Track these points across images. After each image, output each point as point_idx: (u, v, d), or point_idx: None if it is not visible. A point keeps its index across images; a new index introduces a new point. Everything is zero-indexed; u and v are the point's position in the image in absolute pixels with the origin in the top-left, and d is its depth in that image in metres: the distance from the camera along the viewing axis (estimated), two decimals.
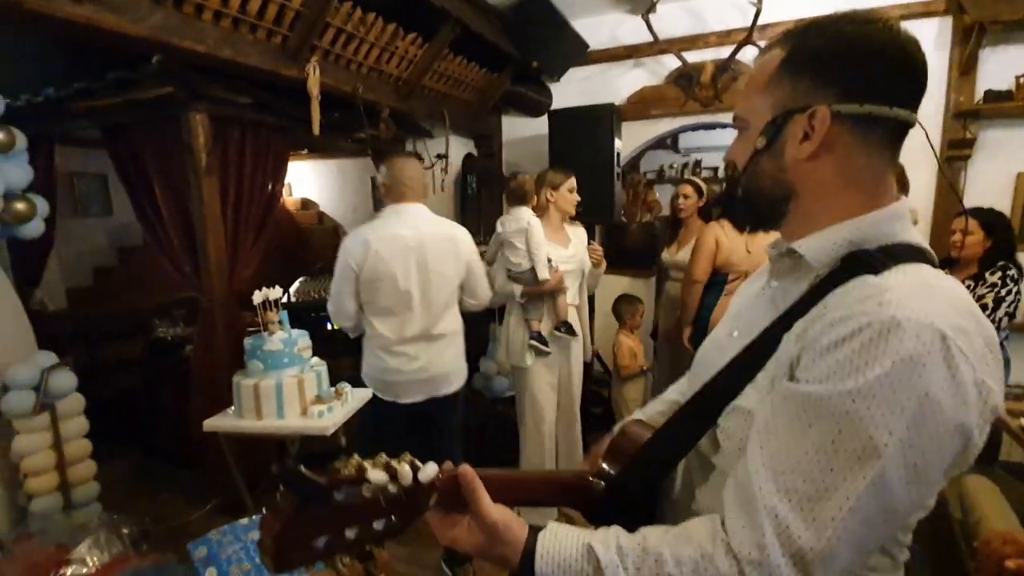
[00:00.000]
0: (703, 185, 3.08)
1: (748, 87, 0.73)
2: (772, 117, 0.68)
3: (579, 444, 2.69)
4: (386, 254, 2.04)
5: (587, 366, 2.83)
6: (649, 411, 0.95)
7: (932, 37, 2.95)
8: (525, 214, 2.44)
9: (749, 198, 0.73)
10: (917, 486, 0.57)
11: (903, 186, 1.87)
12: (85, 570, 1.81)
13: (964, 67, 2.91)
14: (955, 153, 2.99)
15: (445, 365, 2.20)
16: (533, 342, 2.45)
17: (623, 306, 3.39)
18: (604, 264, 2.72)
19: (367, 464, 0.61)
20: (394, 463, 0.62)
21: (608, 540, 0.63)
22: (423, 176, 2.23)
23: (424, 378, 2.14)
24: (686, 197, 3.03)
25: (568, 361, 2.60)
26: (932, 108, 2.99)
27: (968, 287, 2.56)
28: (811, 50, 0.66)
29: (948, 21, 2.94)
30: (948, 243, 2.62)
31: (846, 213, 0.68)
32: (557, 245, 2.53)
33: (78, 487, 2.30)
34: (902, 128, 0.67)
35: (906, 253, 0.65)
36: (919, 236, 0.69)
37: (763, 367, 0.67)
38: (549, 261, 2.41)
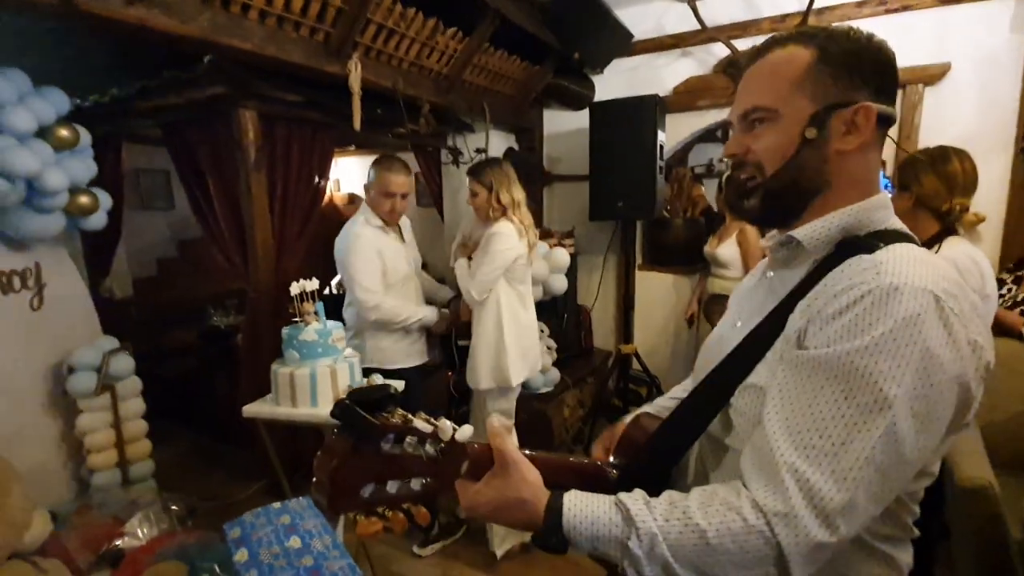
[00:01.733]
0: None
1: (773, 78, 0.74)
2: (815, 110, 0.71)
3: None
4: None
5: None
6: (657, 405, 0.97)
7: (1008, 18, 2.70)
8: None
9: (785, 190, 0.74)
10: (924, 436, 0.61)
11: (963, 186, 1.71)
12: (136, 542, 1.93)
13: None
14: None
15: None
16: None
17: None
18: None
19: (412, 417, 0.64)
20: (433, 419, 0.65)
21: (635, 494, 0.67)
22: (368, 179, 2.43)
23: None
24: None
25: None
26: (1006, 95, 2.76)
27: None
28: (845, 51, 0.71)
29: None
30: None
31: (845, 202, 0.73)
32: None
33: (135, 464, 2.44)
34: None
35: (893, 236, 0.70)
36: (899, 222, 0.75)
37: (771, 346, 0.70)
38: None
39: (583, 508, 0.65)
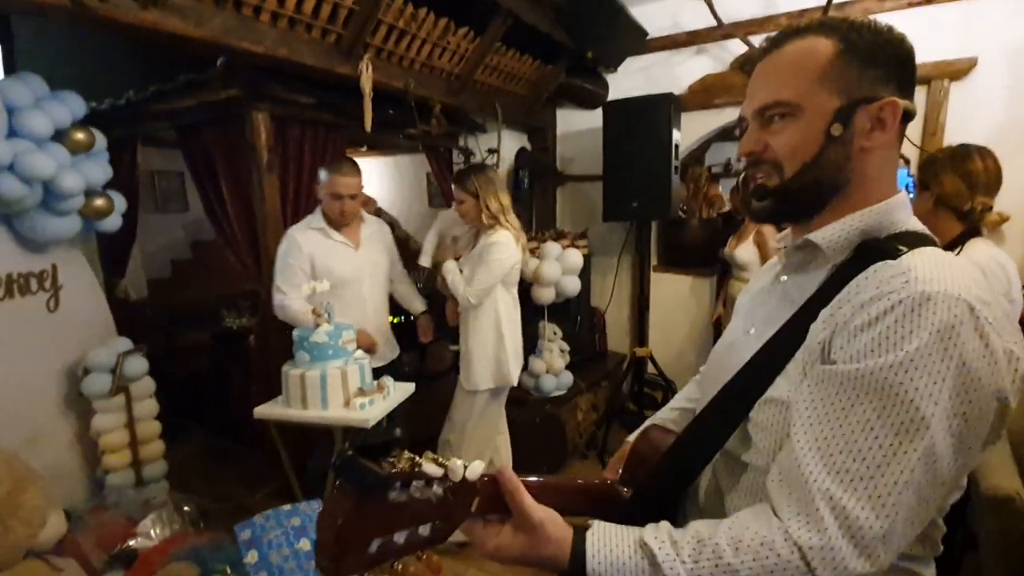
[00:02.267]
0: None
1: (794, 71, 0.70)
2: (840, 105, 0.67)
3: None
4: None
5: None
6: (662, 416, 0.93)
7: None
8: None
9: (805, 190, 0.70)
10: (962, 455, 0.58)
11: (986, 185, 1.65)
12: (149, 543, 1.94)
13: None
14: None
15: None
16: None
17: None
18: None
19: (420, 460, 0.60)
20: (442, 459, 0.61)
21: (660, 534, 0.63)
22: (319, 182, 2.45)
23: None
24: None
25: None
26: None
27: None
28: (870, 43, 0.67)
29: None
30: None
31: (863, 203, 0.69)
32: None
33: (148, 465, 2.45)
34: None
35: (914, 239, 0.67)
36: (919, 223, 0.71)
37: (792, 358, 0.66)
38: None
39: (607, 554, 0.62)
